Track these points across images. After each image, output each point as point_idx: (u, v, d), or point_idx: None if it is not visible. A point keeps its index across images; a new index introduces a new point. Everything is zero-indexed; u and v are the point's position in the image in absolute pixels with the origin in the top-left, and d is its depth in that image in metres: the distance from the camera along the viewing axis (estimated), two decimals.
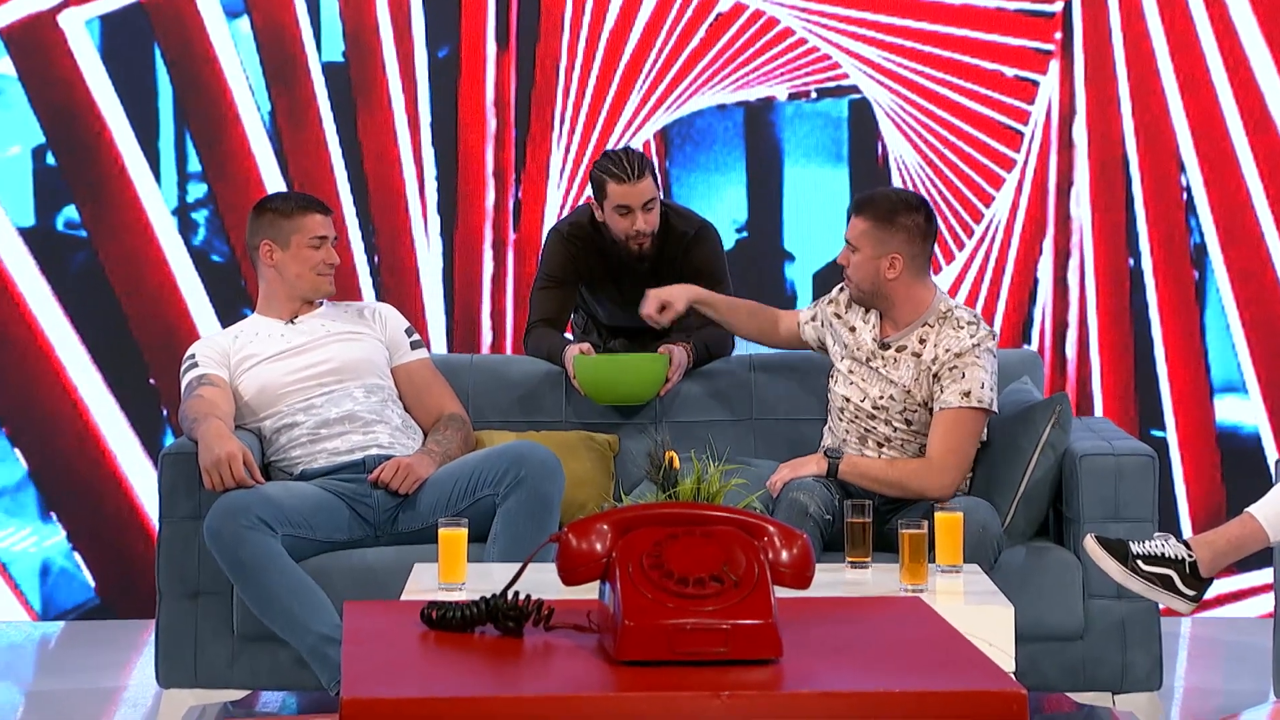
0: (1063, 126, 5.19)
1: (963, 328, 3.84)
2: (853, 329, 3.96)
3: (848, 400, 3.93)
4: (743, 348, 4.48)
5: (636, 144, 5.14)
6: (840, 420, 3.95)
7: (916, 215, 3.87)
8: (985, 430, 3.90)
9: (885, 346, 3.90)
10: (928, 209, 3.92)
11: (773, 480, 3.85)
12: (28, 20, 5.10)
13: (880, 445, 3.89)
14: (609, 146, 5.13)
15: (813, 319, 4.08)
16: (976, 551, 3.61)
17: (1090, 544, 3.43)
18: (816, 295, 5.18)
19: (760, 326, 4.16)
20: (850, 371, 3.94)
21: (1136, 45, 5.16)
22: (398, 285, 5.18)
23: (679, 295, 4.10)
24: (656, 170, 4.29)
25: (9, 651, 4.79)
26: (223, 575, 3.77)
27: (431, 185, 5.18)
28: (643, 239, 4.16)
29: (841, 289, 4.02)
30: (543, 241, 4.46)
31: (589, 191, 4.24)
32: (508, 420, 4.24)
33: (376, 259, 5.18)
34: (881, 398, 3.88)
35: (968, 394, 3.80)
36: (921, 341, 3.87)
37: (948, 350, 3.82)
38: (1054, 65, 5.19)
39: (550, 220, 5.11)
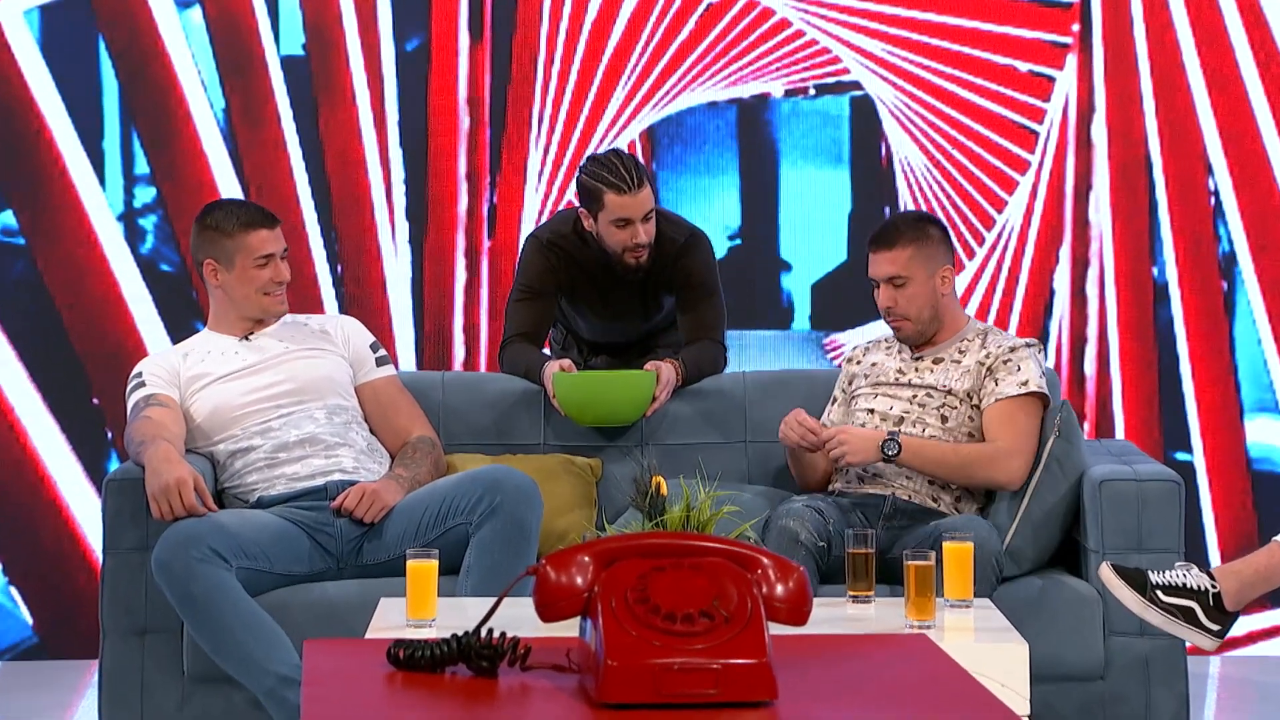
0: (1081, 126, 5.21)
1: (1008, 333, 4.07)
2: (874, 364, 4.07)
3: (872, 412, 4.00)
4: (735, 364, 4.49)
5: (621, 144, 5.15)
6: None
7: (934, 225, 4.07)
8: None
9: (919, 359, 3.99)
10: (936, 219, 4.15)
11: (827, 436, 3.88)
12: None
13: None
14: (593, 148, 5.15)
15: (835, 402, 4.14)
16: (976, 570, 3.62)
17: (1105, 572, 3.45)
18: (815, 306, 5.21)
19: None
20: (874, 388, 4.02)
21: (1160, 38, 5.18)
22: (363, 297, 5.18)
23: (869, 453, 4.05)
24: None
25: None
26: (172, 611, 3.77)
27: (399, 189, 5.19)
28: (641, 251, 4.17)
29: (856, 348, 4.15)
30: (520, 249, 4.47)
31: (570, 195, 4.25)
32: (482, 443, 4.24)
33: (339, 269, 5.19)
34: (915, 398, 3.96)
35: (1025, 383, 3.94)
36: (961, 352, 4.01)
37: (1000, 345, 3.99)
38: (1071, 60, 5.21)
39: (528, 226, 5.12)
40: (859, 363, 4.12)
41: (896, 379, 4.02)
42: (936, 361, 4.01)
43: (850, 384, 4.11)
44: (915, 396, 3.98)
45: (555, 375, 4.12)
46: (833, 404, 4.15)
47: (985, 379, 3.95)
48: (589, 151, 5.11)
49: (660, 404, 4.19)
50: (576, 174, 4.21)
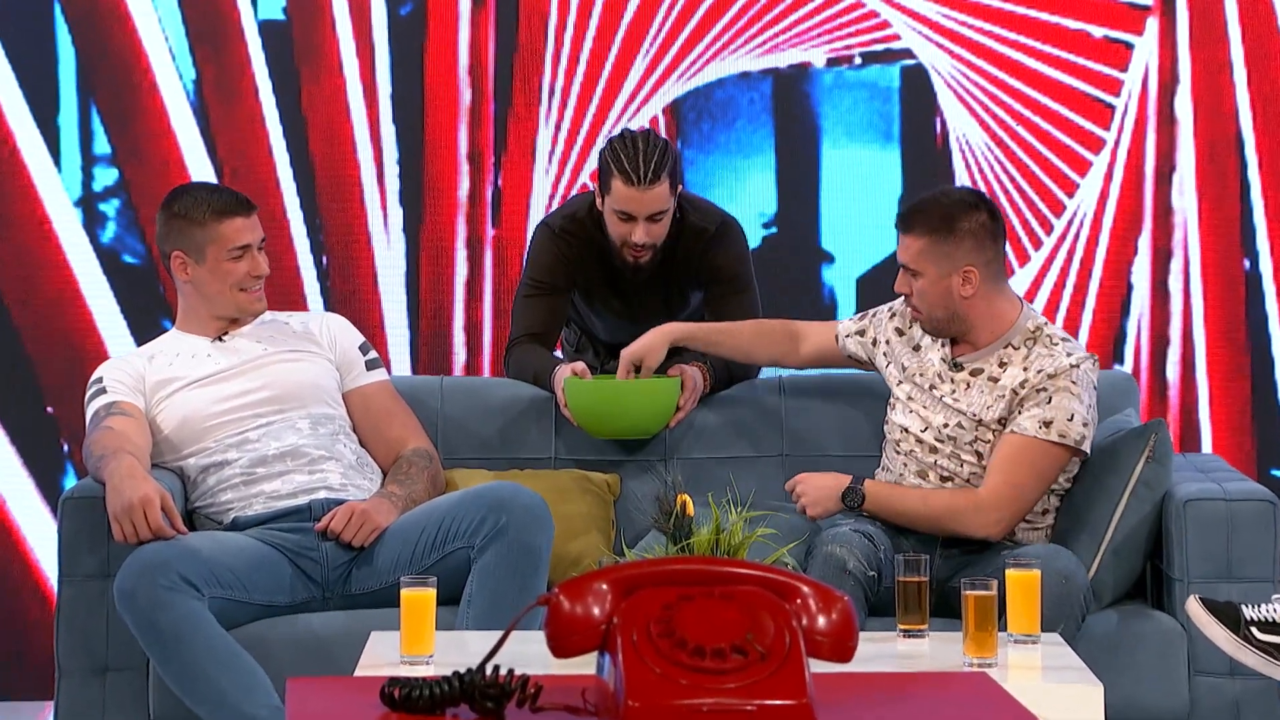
0: (1163, 99, 5.21)
1: (1057, 344, 3.90)
2: (917, 348, 4.00)
3: (906, 431, 3.97)
4: (772, 368, 4.49)
5: (644, 120, 5.16)
6: (897, 454, 3.99)
7: (979, 214, 3.91)
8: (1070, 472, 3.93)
9: (957, 368, 3.94)
10: (989, 204, 3.97)
11: (789, 486, 3.97)
12: None
13: (945, 481, 3.93)
14: (610, 125, 5.15)
15: (860, 334, 4.11)
16: (1059, 608, 3.62)
17: (1194, 607, 3.44)
18: (860, 303, 5.20)
19: (774, 348, 4.19)
20: (910, 398, 3.98)
21: None
22: (351, 292, 5.20)
23: (653, 345, 4.11)
24: (681, 169, 4.26)
25: None
26: (136, 646, 3.79)
27: (392, 171, 5.20)
28: (641, 252, 4.17)
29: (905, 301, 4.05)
30: (528, 239, 4.48)
31: (584, 178, 4.26)
32: (485, 457, 4.25)
33: (325, 260, 5.20)
34: (947, 426, 3.92)
35: (1049, 423, 3.84)
36: (1002, 365, 3.91)
37: (1040, 371, 3.87)
38: (1152, 24, 5.21)
39: (537, 213, 5.14)
40: (903, 333, 4.04)
41: (933, 388, 3.97)
42: (975, 375, 3.93)
43: (888, 345, 4.06)
44: (948, 425, 3.93)
45: (568, 381, 4.13)
46: (858, 331, 4.12)
47: (1015, 407, 3.89)
48: (607, 129, 5.12)
49: (686, 413, 4.20)
50: (603, 146, 4.20)
